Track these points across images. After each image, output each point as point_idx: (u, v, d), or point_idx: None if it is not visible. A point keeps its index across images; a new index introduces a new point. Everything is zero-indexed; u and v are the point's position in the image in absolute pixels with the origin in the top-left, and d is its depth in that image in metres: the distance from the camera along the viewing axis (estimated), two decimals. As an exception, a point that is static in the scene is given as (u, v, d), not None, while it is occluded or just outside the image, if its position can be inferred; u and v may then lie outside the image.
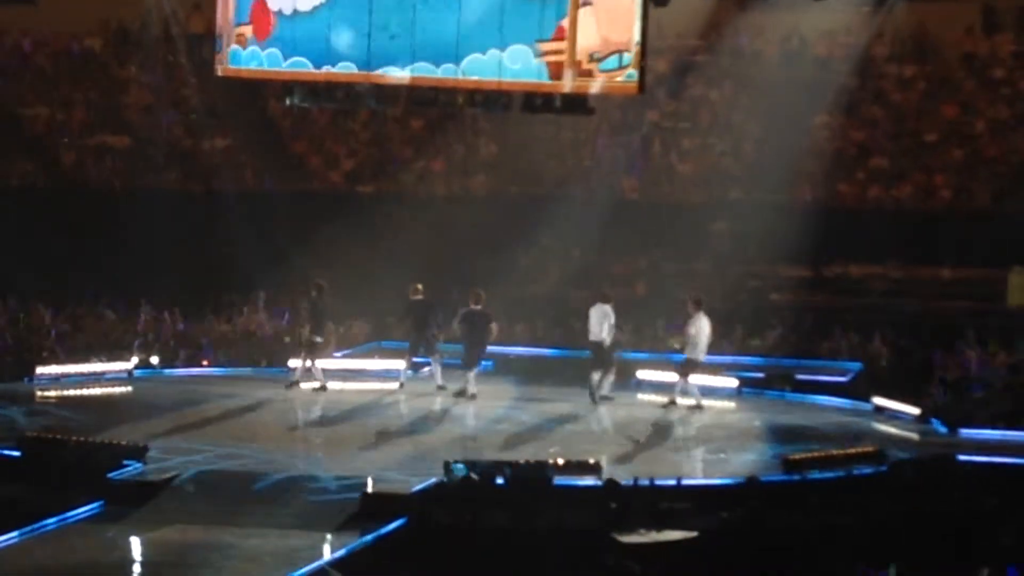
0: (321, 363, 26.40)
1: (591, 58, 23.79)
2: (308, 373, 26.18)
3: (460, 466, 19.42)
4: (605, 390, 25.68)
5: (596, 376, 25.59)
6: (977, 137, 33.31)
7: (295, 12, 24.70)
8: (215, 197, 33.23)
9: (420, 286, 26.21)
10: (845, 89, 33.78)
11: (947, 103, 33.93)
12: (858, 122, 33.93)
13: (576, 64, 23.85)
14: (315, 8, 24.58)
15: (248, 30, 25.12)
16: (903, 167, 33.15)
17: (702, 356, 25.44)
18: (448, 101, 25.42)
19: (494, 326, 25.83)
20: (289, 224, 31.57)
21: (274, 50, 24.93)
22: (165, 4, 34.59)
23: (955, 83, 34.31)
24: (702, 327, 25.31)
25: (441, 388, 26.12)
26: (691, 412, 25.09)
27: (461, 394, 25.67)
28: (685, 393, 25.47)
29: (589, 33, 23.77)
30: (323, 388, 26.10)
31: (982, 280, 30.68)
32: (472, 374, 25.76)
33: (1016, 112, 33.43)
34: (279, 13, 24.78)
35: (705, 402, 25.42)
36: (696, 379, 25.57)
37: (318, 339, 26.28)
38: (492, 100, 24.95)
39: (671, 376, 25.91)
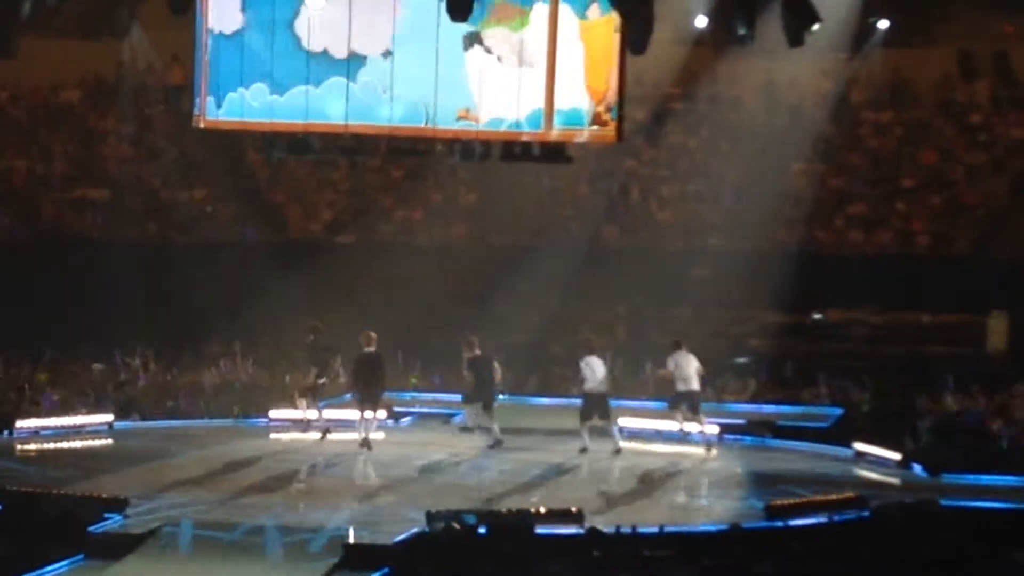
0: (302, 411, 26.41)
1: None
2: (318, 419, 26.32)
3: (471, 516, 19.39)
4: (586, 440, 25.55)
5: (614, 428, 25.56)
6: (955, 183, 33.41)
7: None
8: (194, 248, 33.15)
9: (373, 335, 25.47)
10: (822, 135, 33.93)
11: (925, 149, 34.07)
12: (836, 168, 34.05)
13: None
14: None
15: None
16: (881, 213, 33.26)
17: (694, 385, 25.40)
18: (427, 150, 25.44)
19: (466, 373, 25.74)
20: (268, 274, 31.47)
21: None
22: (143, 56, 34.61)
23: (933, 129, 34.45)
24: (679, 361, 25.33)
25: (364, 444, 25.23)
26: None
27: (496, 444, 25.40)
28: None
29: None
30: (326, 433, 25.96)
31: (962, 325, 30.77)
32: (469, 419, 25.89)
33: (994, 158, 33.56)
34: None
35: (683, 449, 25.41)
36: (673, 424, 25.75)
37: (322, 381, 26.32)
38: (471, 149, 24.97)
39: (663, 422, 26.06)
